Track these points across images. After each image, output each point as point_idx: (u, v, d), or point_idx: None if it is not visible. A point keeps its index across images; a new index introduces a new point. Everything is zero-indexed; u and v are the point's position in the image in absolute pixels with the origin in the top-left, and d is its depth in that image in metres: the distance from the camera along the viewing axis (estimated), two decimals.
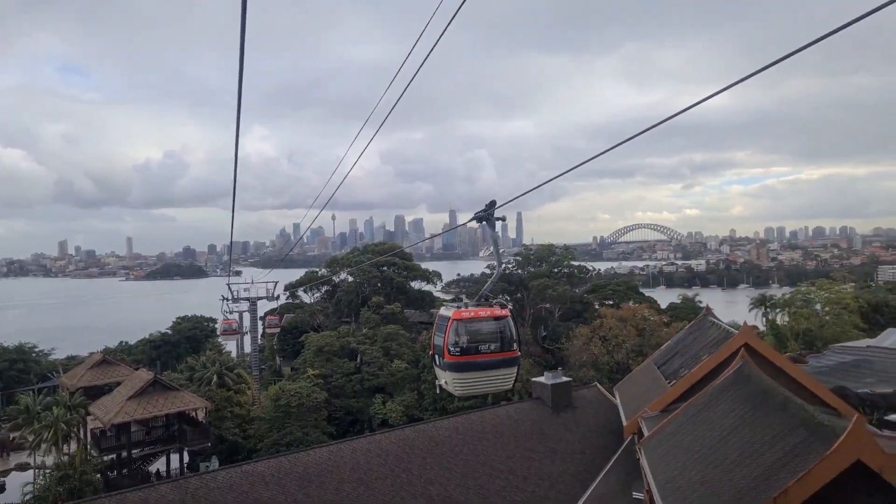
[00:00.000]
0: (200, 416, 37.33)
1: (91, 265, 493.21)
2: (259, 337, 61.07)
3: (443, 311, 12.08)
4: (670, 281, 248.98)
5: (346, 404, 42.63)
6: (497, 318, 11.45)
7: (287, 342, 58.63)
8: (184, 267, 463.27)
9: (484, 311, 11.39)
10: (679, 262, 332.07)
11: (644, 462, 19.53)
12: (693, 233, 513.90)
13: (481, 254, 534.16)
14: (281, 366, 59.32)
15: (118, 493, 19.50)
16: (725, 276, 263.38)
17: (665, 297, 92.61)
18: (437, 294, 68.02)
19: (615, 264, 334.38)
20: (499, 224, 10.88)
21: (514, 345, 11.53)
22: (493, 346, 11.34)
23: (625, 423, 25.72)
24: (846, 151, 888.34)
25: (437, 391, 12.97)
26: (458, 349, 11.16)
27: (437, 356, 11.92)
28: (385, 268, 53.52)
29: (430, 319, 57.12)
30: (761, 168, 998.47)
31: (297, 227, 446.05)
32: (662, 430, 20.41)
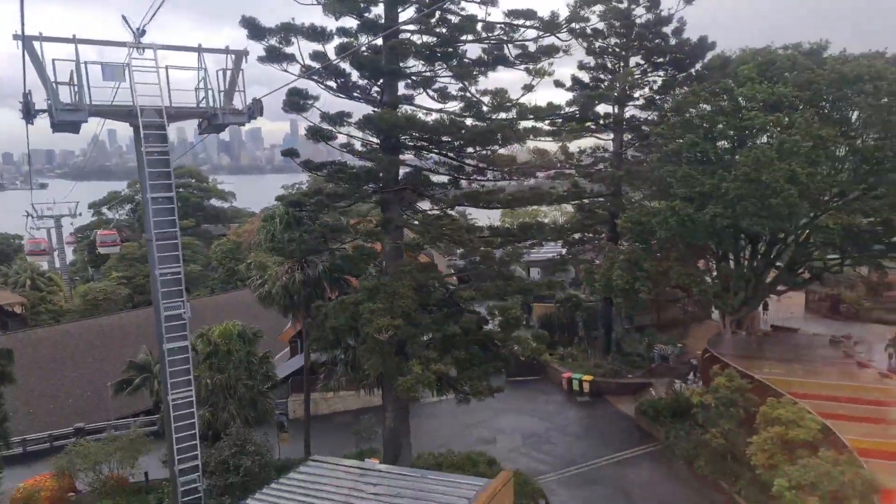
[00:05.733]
0: (18, 310, 47.15)
1: None
2: (70, 252, 68.24)
3: (99, 230, 43.99)
4: None
5: (149, 299, 54.60)
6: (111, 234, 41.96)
7: (97, 255, 67.11)
8: None
9: (111, 231, 43.01)
10: None
11: None
12: None
13: None
14: (93, 275, 67.91)
15: None
16: None
17: None
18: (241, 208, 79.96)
19: None
20: None
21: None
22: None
23: None
24: None
25: None
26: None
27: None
28: (181, 189, 63.84)
29: (226, 232, 69.24)
30: None
31: (112, 133, 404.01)
32: None
